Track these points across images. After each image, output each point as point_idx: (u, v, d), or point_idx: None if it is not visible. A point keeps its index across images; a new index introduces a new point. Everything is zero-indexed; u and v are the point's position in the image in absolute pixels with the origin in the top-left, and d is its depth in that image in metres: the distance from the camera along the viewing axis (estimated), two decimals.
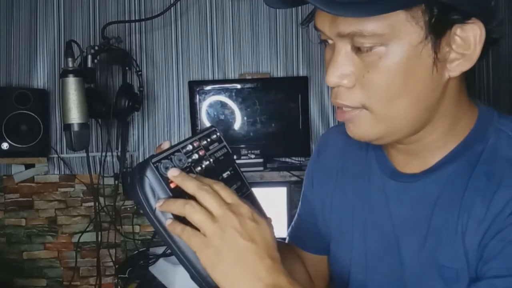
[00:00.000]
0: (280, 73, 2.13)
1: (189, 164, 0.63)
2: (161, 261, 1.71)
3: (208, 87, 2.04)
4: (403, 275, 0.68)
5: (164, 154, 0.61)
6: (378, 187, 0.73)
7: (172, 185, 0.59)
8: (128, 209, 2.10)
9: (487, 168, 0.61)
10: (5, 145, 1.85)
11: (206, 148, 0.67)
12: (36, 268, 2.12)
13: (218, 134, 0.71)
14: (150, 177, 0.58)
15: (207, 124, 2.02)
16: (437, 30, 0.56)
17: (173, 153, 0.62)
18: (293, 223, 0.93)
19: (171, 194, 0.59)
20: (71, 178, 2.10)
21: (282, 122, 2.04)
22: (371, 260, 0.73)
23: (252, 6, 2.12)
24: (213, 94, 2.03)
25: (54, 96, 2.05)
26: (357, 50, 0.58)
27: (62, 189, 2.11)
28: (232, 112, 2.03)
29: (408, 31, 0.56)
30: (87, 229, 2.03)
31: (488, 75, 2.18)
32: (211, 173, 0.66)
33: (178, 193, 0.59)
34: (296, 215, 0.93)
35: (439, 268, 0.63)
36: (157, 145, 2.14)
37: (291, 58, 2.12)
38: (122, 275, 1.77)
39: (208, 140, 0.69)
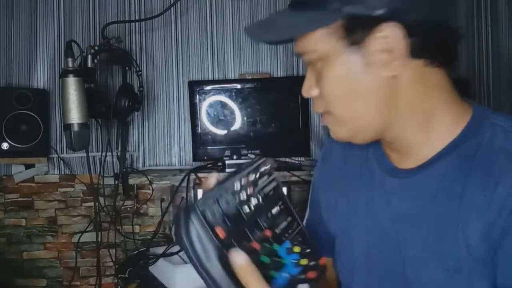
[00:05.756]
0: (280, 73, 2.13)
1: (237, 205, 0.60)
2: (161, 261, 1.71)
3: (208, 87, 2.04)
4: (405, 269, 0.69)
5: (211, 199, 0.58)
6: (378, 185, 0.75)
7: (219, 232, 0.56)
8: (128, 209, 2.10)
9: (486, 161, 0.63)
10: (5, 145, 1.85)
11: (254, 183, 0.63)
12: (36, 268, 2.11)
13: (268, 166, 0.66)
14: (196, 225, 0.56)
15: (207, 124, 2.02)
16: (355, 39, 0.63)
17: (220, 195, 0.59)
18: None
19: (219, 245, 0.56)
20: (71, 178, 2.10)
21: (282, 122, 2.04)
22: (374, 256, 0.74)
23: (252, 6, 2.12)
24: (213, 94, 2.03)
25: (54, 96, 2.05)
26: (312, 65, 0.69)
27: (62, 189, 2.11)
28: (232, 112, 2.03)
29: (332, 46, 0.64)
30: (87, 229, 2.03)
31: (488, 75, 2.18)
32: (260, 211, 0.63)
33: (226, 244, 0.56)
34: (305, 220, 0.93)
35: (441, 259, 0.64)
36: (157, 145, 2.16)
37: (291, 58, 2.12)
38: (122, 275, 1.77)
39: (258, 174, 0.64)
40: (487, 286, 0.62)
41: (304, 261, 0.66)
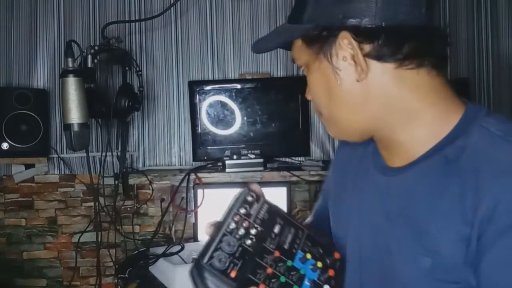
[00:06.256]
0: (280, 73, 2.13)
1: (239, 242, 0.65)
2: (161, 261, 1.71)
3: (208, 87, 2.04)
4: (390, 266, 0.70)
5: (212, 247, 0.63)
6: (371, 182, 0.77)
7: (232, 275, 0.61)
8: (128, 209, 2.10)
9: (468, 165, 0.63)
10: (5, 145, 1.85)
11: (247, 215, 0.69)
12: (36, 268, 2.11)
13: (252, 193, 0.72)
14: (210, 278, 0.60)
15: (207, 124, 2.02)
16: (323, 48, 0.69)
17: (220, 241, 0.63)
18: (311, 216, 1.00)
19: (234, 284, 0.61)
20: (71, 178, 2.10)
21: (282, 122, 2.04)
22: (364, 252, 0.76)
23: (252, 6, 2.12)
24: (213, 94, 2.03)
25: (54, 96, 2.05)
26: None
27: (62, 189, 2.11)
28: (232, 112, 2.03)
29: (305, 55, 0.73)
30: (87, 229, 2.03)
31: (488, 75, 2.18)
32: (262, 237, 0.68)
33: (241, 279, 0.61)
34: (318, 201, 1.00)
35: (418, 258, 0.65)
36: (157, 145, 2.16)
37: (291, 58, 2.11)
38: (122, 275, 1.77)
39: (247, 205, 0.70)
40: None
41: (319, 264, 0.70)
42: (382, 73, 0.67)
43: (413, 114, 0.69)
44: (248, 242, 0.65)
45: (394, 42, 0.65)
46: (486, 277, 0.59)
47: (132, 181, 2.01)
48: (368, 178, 0.78)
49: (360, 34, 0.65)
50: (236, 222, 0.66)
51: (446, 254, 0.62)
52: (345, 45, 0.66)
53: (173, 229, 2.09)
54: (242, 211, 0.68)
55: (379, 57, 0.66)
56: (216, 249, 0.62)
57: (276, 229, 0.70)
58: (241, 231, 0.66)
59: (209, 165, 2.00)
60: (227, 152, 1.99)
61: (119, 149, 1.99)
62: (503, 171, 0.59)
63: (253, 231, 0.67)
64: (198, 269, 0.61)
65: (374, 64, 0.67)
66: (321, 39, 0.69)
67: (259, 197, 0.72)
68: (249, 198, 0.71)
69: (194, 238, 2.02)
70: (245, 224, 0.67)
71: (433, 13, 0.68)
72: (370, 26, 0.65)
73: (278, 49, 0.83)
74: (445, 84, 0.69)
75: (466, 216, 0.60)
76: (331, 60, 0.69)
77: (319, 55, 0.70)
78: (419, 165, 0.68)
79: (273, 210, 0.73)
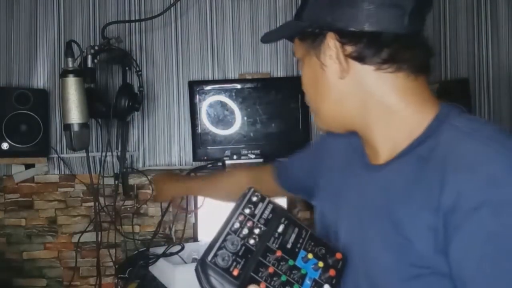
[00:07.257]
0: (280, 73, 2.13)
1: (242, 241, 0.67)
2: (161, 261, 1.71)
3: (208, 87, 2.04)
4: (375, 258, 0.73)
5: (216, 246, 0.65)
6: (355, 177, 0.82)
7: (235, 273, 0.63)
8: (128, 209, 2.10)
9: (438, 162, 0.66)
10: (5, 145, 1.85)
11: (252, 215, 0.72)
12: (36, 268, 2.11)
13: (257, 194, 0.75)
14: (214, 275, 0.63)
15: (207, 124, 2.02)
16: (313, 46, 0.76)
17: (224, 240, 0.66)
18: (285, 161, 1.11)
19: (237, 282, 0.63)
20: (71, 178, 2.10)
21: (282, 122, 2.04)
22: (353, 246, 0.79)
23: (252, 6, 2.12)
24: (213, 94, 2.03)
25: (54, 96, 2.04)
26: None
27: (62, 189, 2.11)
28: (232, 112, 2.03)
29: (301, 49, 0.80)
30: (87, 229, 2.03)
31: (488, 75, 2.18)
32: (266, 236, 0.70)
33: (243, 277, 0.64)
34: (293, 156, 1.10)
35: (396, 245, 0.69)
36: (157, 145, 2.16)
37: (291, 58, 2.12)
38: (122, 275, 1.77)
39: (251, 206, 0.73)
40: (437, 283, 0.65)
41: (321, 264, 0.73)
42: (363, 73, 0.73)
43: (390, 114, 0.73)
44: (252, 241, 0.68)
45: (374, 46, 0.71)
46: (455, 263, 0.62)
47: (132, 181, 2.01)
48: (354, 176, 0.82)
49: (344, 37, 0.72)
50: (240, 222, 0.69)
51: (417, 242, 0.66)
52: (332, 45, 0.73)
53: (173, 229, 2.09)
54: (247, 211, 0.71)
55: (360, 59, 0.72)
56: (220, 248, 0.65)
57: (280, 228, 0.73)
58: (245, 231, 0.68)
59: (209, 165, 2.00)
60: (227, 152, 1.99)
61: (119, 149, 1.99)
62: (465, 166, 0.63)
63: (256, 231, 0.69)
64: (202, 267, 0.64)
65: (356, 65, 0.73)
66: (312, 37, 0.76)
67: (264, 198, 0.75)
68: (254, 199, 0.74)
69: (194, 238, 2.02)
70: (249, 224, 0.70)
71: (419, 22, 0.72)
72: (354, 30, 0.71)
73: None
74: (424, 87, 0.74)
75: (433, 208, 0.64)
76: (319, 57, 0.76)
77: (310, 51, 0.77)
78: (396, 162, 0.73)
79: (277, 210, 0.75)
